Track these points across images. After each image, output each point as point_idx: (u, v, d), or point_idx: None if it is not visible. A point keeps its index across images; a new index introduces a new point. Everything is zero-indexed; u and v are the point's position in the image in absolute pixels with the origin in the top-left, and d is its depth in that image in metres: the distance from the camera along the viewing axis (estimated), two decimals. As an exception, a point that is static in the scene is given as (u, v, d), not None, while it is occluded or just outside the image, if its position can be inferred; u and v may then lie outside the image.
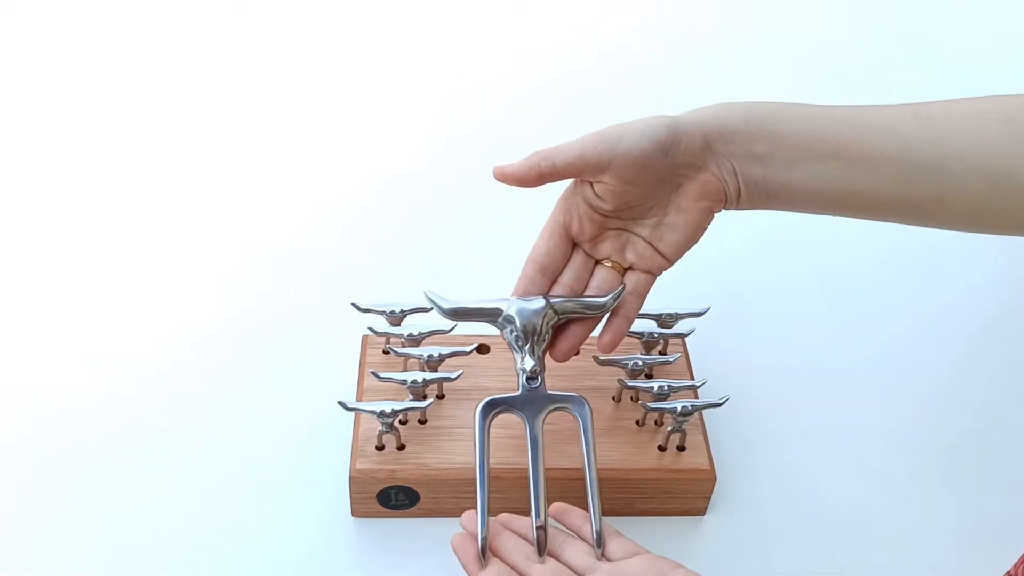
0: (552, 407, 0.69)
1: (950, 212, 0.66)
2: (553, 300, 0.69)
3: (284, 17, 1.27)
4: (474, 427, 0.67)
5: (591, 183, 0.68)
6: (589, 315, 0.70)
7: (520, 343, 0.69)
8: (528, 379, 0.69)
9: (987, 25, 1.33)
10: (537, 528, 0.64)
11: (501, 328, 0.70)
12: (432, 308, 0.73)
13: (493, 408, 0.68)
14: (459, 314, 0.71)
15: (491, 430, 0.69)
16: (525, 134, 1.11)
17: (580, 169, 0.66)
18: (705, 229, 0.70)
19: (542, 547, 0.64)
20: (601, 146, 0.65)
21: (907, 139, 0.64)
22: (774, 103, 0.67)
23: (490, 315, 0.70)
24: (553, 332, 0.70)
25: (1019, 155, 0.63)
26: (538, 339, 0.69)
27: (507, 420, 0.75)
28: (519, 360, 0.69)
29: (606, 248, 0.70)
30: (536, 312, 0.69)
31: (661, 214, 0.69)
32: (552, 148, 0.66)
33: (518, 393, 0.69)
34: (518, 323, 0.68)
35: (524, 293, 0.69)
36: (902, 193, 0.65)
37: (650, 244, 0.70)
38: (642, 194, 0.67)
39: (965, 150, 0.63)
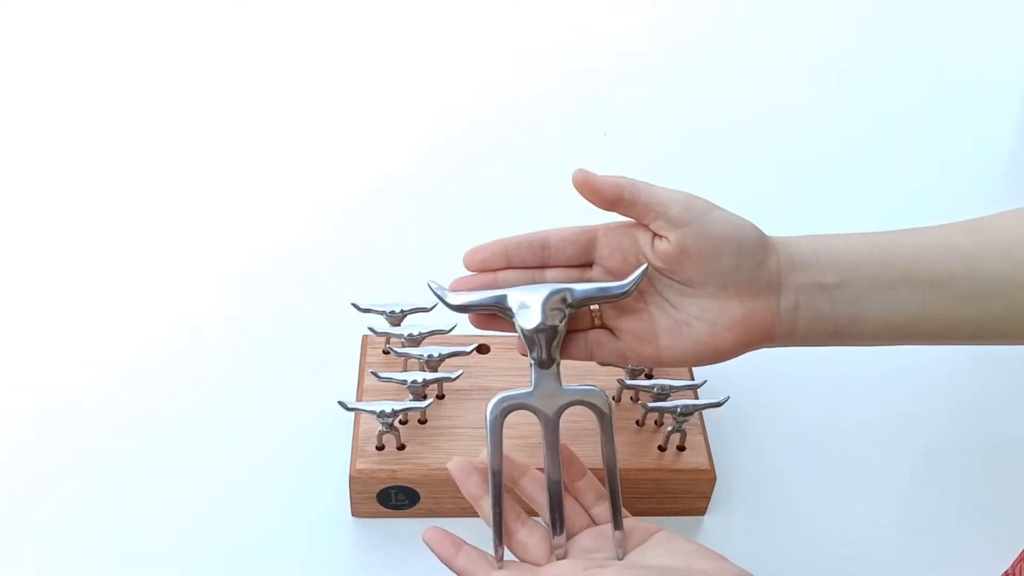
0: (568, 402, 0.63)
1: (1022, 325, 0.63)
2: (561, 287, 0.62)
3: (284, 18, 1.27)
4: (487, 431, 0.62)
5: (654, 234, 0.62)
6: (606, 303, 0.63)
7: (530, 336, 0.62)
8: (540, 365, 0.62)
9: (987, 25, 1.33)
10: (556, 548, 0.62)
11: (511, 318, 0.63)
12: (435, 304, 0.70)
13: (508, 411, 0.63)
14: (465, 308, 0.63)
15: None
16: (525, 134, 1.11)
17: (655, 216, 0.61)
18: (721, 359, 0.63)
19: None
20: (690, 207, 0.61)
21: (971, 257, 0.62)
22: (832, 234, 0.64)
23: (495, 307, 0.63)
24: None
25: None
26: (555, 335, 0.62)
27: (507, 420, 0.75)
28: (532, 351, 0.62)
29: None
30: (546, 301, 0.61)
31: (691, 312, 0.62)
32: (641, 182, 0.62)
33: (532, 389, 0.63)
34: (529, 316, 0.61)
35: (504, 250, 0.63)
36: (974, 312, 0.62)
37: (654, 326, 0.62)
38: (693, 276, 0.61)
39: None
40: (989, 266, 0.62)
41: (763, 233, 0.62)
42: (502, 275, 0.63)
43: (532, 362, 0.62)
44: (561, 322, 0.62)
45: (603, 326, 0.64)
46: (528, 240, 0.64)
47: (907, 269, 0.62)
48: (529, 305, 0.61)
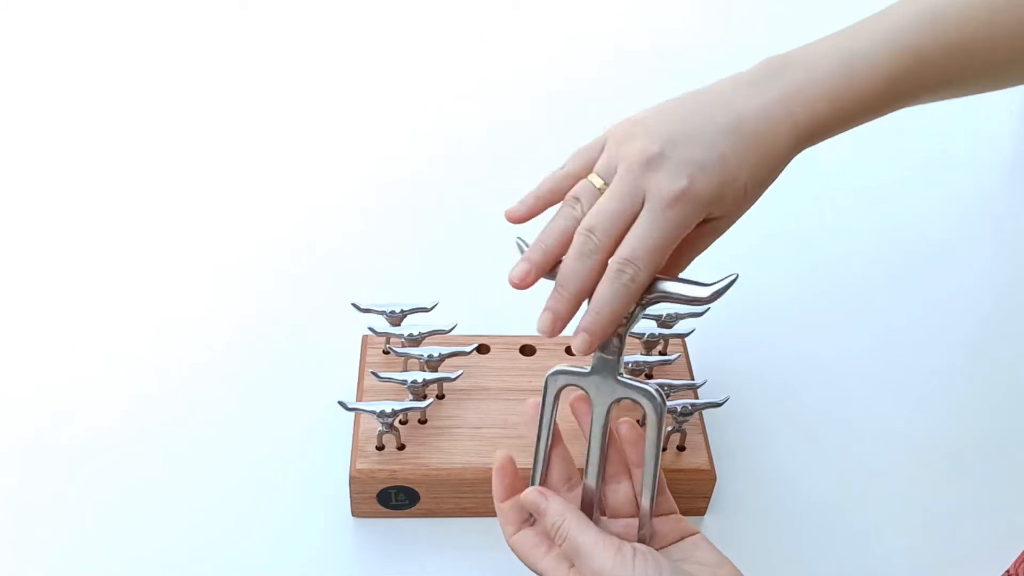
0: (622, 395, 0.59)
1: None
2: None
3: (284, 18, 1.27)
4: (543, 398, 0.61)
5: None
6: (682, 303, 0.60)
7: None
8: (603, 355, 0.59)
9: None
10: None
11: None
12: (435, 304, 0.72)
13: (563, 387, 0.61)
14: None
15: (489, 429, 0.71)
16: (525, 134, 1.11)
17: None
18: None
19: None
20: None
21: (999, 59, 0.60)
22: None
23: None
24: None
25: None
26: (626, 321, 0.58)
27: (506, 420, 0.75)
28: None
29: None
30: None
31: None
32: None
33: (589, 370, 0.60)
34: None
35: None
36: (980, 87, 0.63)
37: None
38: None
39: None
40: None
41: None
42: None
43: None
44: (638, 314, 0.59)
45: None
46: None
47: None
48: None
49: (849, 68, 0.59)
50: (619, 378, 0.59)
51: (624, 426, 0.61)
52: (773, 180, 0.63)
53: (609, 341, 0.58)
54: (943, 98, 0.64)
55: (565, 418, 0.64)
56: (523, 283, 0.58)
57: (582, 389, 0.61)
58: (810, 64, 0.60)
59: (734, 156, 0.59)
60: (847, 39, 0.61)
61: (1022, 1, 0.58)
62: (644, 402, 0.58)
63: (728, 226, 0.64)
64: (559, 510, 0.59)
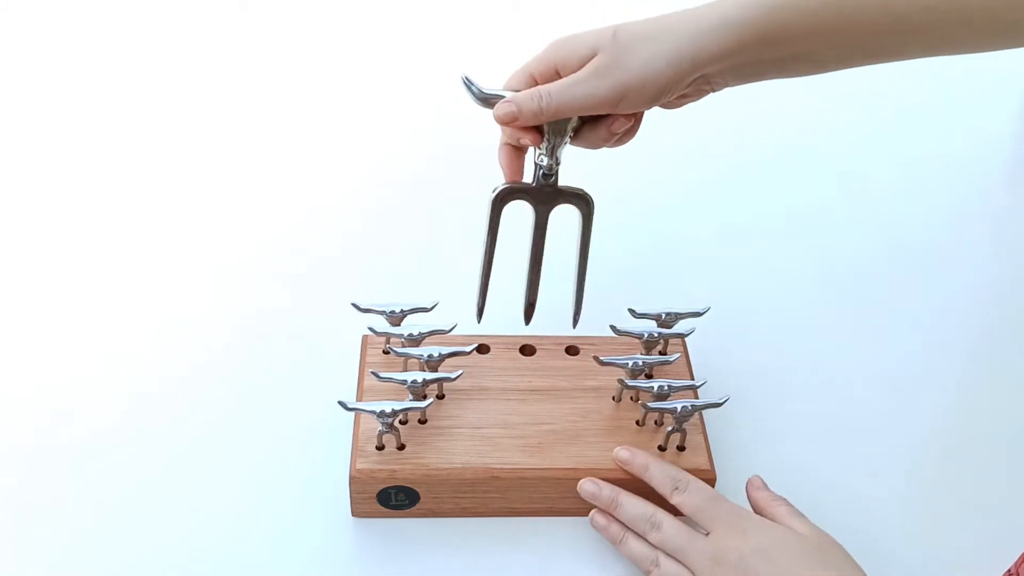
0: (561, 200, 0.72)
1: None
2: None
3: (284, 18, 1.27)
4: (487, 212, 0.71)
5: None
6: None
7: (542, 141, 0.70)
8: (544, 175, 0.71)
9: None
10: (528, 304, 0.75)
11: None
12: (435, 304, 0.76)
13: (508, 196, 0.72)
14: (490, 102, 0.70)
15: (489, 429, 0.71)
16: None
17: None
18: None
19: (528, 318, 0.75)
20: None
21: (901, 14, 0.65)
22: (767, 7, 0.66)
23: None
24: (575, 130, 0.70)
25: (1006, 7, 0.64)
26: (559, 140, 0.69)
27: (506, 420, 0.75)
28: (536, 154, 0.70)
29: None
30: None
31: None
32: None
33: (533, 184, 0.71)
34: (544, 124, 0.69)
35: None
36: (896, 54, 0.70)
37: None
38: None
39: (956, 11, 0.65)
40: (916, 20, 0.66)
41: (680, 57, 0.67)
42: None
43: (536, 164, 0.71)
44: (568, 134, 0.70)
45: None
46: (545, 65, 0.70)
47: (838, 47, 0.69)
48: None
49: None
50: (559, 187, 0.71)
51: (623, 452, 0.73)
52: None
53: (551, 170, 0.71)
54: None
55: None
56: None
57: (526, 199, 0.72)
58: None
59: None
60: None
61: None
62: (578, 203, 0.72)
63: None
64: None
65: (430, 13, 1.29)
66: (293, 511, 0.75)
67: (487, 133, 0.76)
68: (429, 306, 0.79)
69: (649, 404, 0.74)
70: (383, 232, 0.99)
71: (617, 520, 0.72)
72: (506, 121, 0.68)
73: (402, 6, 1.30)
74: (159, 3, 1.28)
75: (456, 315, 0.79)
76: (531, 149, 0.71)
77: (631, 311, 0.80)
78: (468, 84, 0.70)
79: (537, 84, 0.69)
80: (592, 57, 0.67)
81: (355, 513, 0.74)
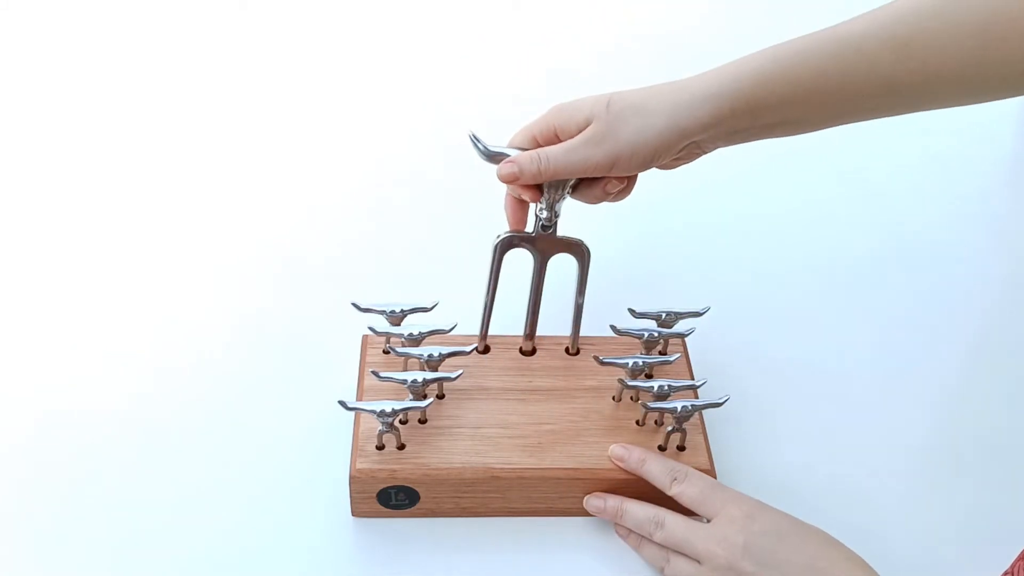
0: (559, 249, 0.77)
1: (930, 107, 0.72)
2: None
3: (284, 18, 1.27)
4: (490, 259, 0.77)
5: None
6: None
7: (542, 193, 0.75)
8: (543, 227, 0.76)
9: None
10: (527, 351, 0.80)
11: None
12: (435, 304, 0.76)
13: (510, 244, 0.77)
14: (495, 159, 0.74)
15: (489, 429, 0.71)
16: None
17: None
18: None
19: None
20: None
21: (888, 77, 0.68)
22: (757, 78, 0.69)
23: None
24: (573, 187, 0.75)
25: (997, 64, 0.66)
26: (558, 196, 0.75)
27: (506, 420, 0.75)
28: (537, 207, 0.75)
29: None
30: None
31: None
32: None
33: (533, 233, 0.77)
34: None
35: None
36: (883, 112, 0.72)
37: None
38: None
39: (944, 71, 0.67)
40: (907, 82, 0.69)
41: (674, 126, 0.71)
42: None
43: (536, 215, 0.76)
44: (566, 190, 0.75)
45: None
46: (545, 128, 0.74)
47: (824, 96, 0.70)
48: None
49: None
50: (558, 237, 0.77)
51: (618, 449, 0.74)
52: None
53: (550, 222, 0.76)
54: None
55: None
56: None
57: (526, 247, 0.77)
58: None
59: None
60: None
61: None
62: (575, 252, 0.77)
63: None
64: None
65: (430, 13, 1.29)
66: (293, 511, 0.75)
67: (487, 133, 0.76)
68: (429, 306, 0.79)
69: (649, 404, 0.74)
70: (383, 232, 0.99)
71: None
72: (509, 180, 0.73)
73: (402, 6, 1.30)
74: (159, 3, 1.28)
75: (456, 315, 0.79)
76: (533, 207, 0.76)
77: (631, 311, 0.80)
78: (475, 142, 0.75)
79: (539, 144, 0.73)
80: (588, 124, 0.71)
81: (355, 513, 0.74)
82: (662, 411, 0.74)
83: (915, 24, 0.66)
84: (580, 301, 0.79)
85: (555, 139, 0.73)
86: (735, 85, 0.69)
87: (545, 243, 0.77)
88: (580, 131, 0.71)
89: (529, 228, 0.77)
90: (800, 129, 0.72)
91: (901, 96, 0.69)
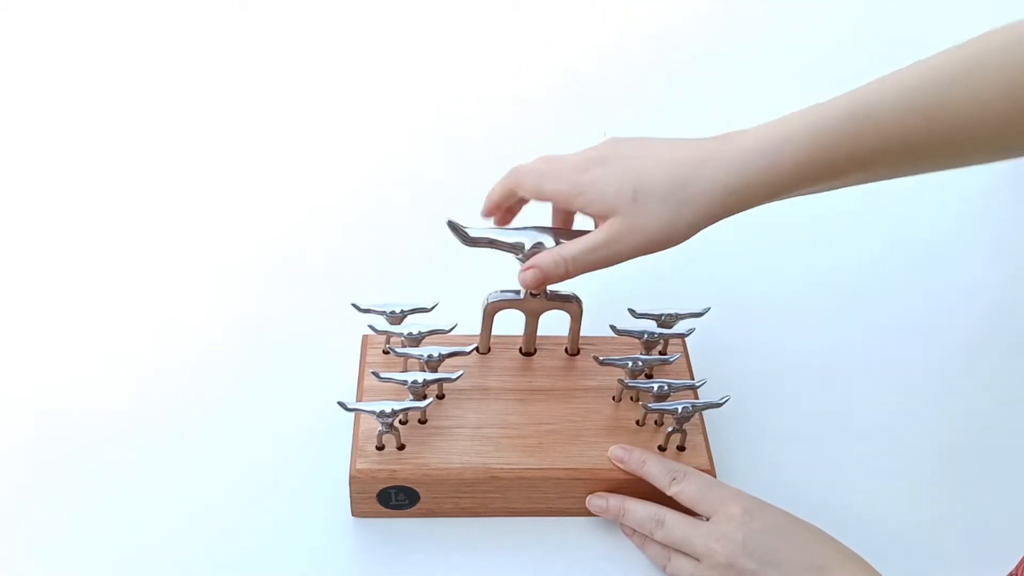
0: (551, 307, 0.77)
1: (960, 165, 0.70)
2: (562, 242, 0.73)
3: (284, 19, 1.27)
4: (480, 320, 0.78)
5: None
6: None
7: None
8: (531, 294, 0.76)
9: (987, 26, 1.33)
10: (524, 344, 0.81)
11: (514, 253, 0.74)
12: (435, 304, 0.77)
13: (499, 307, 0.77)
14: (479, 243, 0.74)
15: (489, 429, 0.72)
16: (525, 134, 1.11)
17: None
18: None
19: None
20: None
21: (912, 142, 0.66)
22: (785, 166, 0.67)
23: (510, 249, 0.74)
24: None
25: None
26: None
27: (506, 420, 0.75)
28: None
29: None
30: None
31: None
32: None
33: (522, 297, 0.77)
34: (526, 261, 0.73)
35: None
36: (909, 173, 0.69)
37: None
38: None
39: (970, 134, 0.65)
40: (939, 151, 0.67)
41: (677, 224, 0.68)
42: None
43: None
44: None
45: None
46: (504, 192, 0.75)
47: (846, 174, 0.68)
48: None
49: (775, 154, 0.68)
50: (548, 299, 0.77)
51: (618, 451, 0.73)
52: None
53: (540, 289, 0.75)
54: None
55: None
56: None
57: (516, 309, 0.77)
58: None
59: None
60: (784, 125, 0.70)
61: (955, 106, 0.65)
62: (568, 307, 0.78)
63: None
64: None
65: (430, 13, 1.29)
66: (293, 511, 0.75)
67: (487, 133, 0.76)
68: (429, 306, 0.79)
69: (650, 405, 0.74)
70: (383, 232, 0.99)
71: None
72: (535, 286, 0.71)
73: (402, 6, 1.30)
74: (159, 3, 1.28)
75: (456, 315, 0.79)
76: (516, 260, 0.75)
77: (631, 311, 0.80)
78: (454, 228, 0.74)
79: (518, 203, 0.75)
80: (608, 213, 0.68)
81: (355, 513, 0.74)
82: (662, 412, 0.74)
83: (939, 89, 0.65)
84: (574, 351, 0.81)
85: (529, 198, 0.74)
86: (765, 175, 0.67)
87: (536, 304, 0.77)
88: (600, 215, 0.69)
89: (520, 291, 0.76)
90: (816, 191, 0.70)
91: (924, 160, 0.68)
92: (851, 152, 0.66)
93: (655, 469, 0.72)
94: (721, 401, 0.75)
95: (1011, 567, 0.64)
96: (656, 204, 0.67)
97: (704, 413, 0.77)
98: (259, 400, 0.82)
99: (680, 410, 0.73)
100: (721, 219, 0.69)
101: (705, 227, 0.69)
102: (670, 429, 0.74)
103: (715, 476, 0.74)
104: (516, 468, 0.72)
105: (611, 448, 0.74)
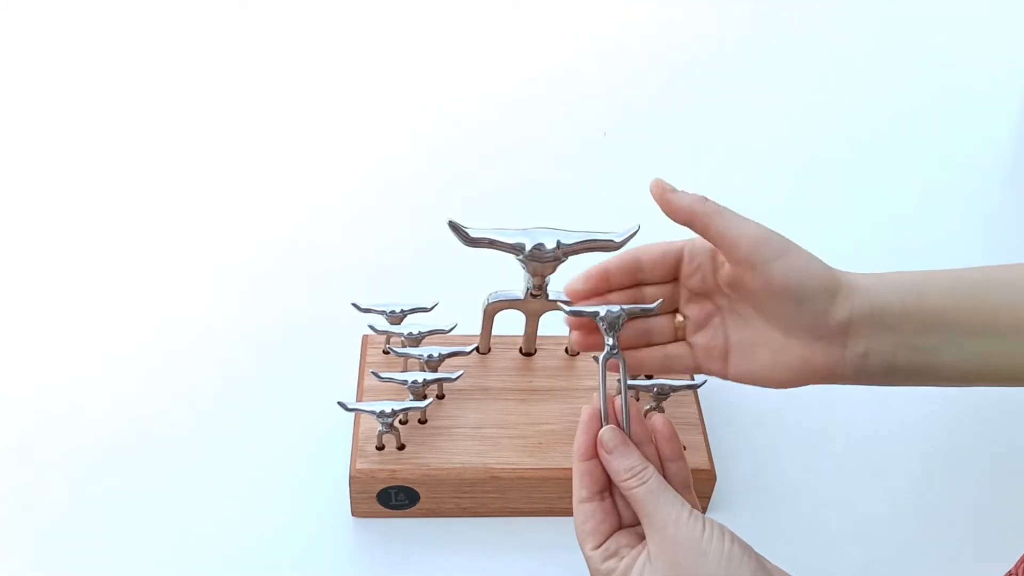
0: (551, 308, 0.75)
1: None
2: (563, 242, 0.70)
3: (284, 18, 1.27)
4: (481, 319, 0.77)
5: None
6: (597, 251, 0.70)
7: (529, 270, 0.73)
8: (531, 295, 0.75)
9: (987, 26, 1.33)
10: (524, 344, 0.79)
11: (515, 254, 0.72)
12: (435, 304, 0.76)
13: (499, 307, 0.76)
14: (480, 243, 0.71)
15: (489, 429, 0.72)
16: (526, 134, 1.11)
17: (722, 248, 0.61)
18: (781, 387, 0.62)
19: None
20: (756, 250, 0.60)
21: None
22: (919, 273, 0.63)
23: (511, 249, 0.71)
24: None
25: None
26: (545, 273, 0.73)
27: (506, 420, 0.75)
28: (527, 279, 0.74)
29: (690, 307, 0.64)
30: (549, 253, 0.71)
31: (760, 334, 0.61)
32: (718, 209, 0.61)
33: (523, 297, 0.75)
34: (528, 261, 0.71)
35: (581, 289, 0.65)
36: None
37: (726, 343, 0.62)
38: (757, 302, 0.61)
39: None
40: None
41: (836, 278, 0.60)
42: (609, 297, 0.64)
43: (526, 286, 0.74)
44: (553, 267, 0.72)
45: (683, 339, 0.64)
46: (623, 264, 0.64)
47: (993, 316, 0.60)
48: (529, 257, 0.71)
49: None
50: (549, 300, 0.74)
51: (659, 421, 0.61)
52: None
53: (541, 290, 0.74)
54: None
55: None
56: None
57: (517, 309, 0.76)
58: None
59: None
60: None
61: None
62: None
63: None
64: (642, 456, 0.58)
65: (430, 13, 1.29)
66: (293, 511, 0.75)
67: (487, 133, 0.76)
68: (429, 306, 0.79)
69: (629, 382, 0.65)
70: (383, 232, 0.99)
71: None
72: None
73: (402, 6, 1.30)
74: (159, 3, 1.28)
75: (456, 315, 0.79)
76: (522, 271, 0.73)
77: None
78: (454, 228, 0.72)
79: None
80: None
81: (355, 513, 0.74)
82: (638, 389, 0.73)
83: None
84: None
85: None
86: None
87: (536, 305, 0.76)
88: None
89: (520, 293, 0.75)
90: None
91: None
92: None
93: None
94: (699, 383, 0.73)
95: (1009, 566, 0.64)
96: None
97: (704, 413, 0.77)
98: (259, 400, 0.82)
99: (657, 389, 0.72)
100: None
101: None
102: (648, 407, 0.73)
103: (715, 476, 0.74)
104: (516, 468, 0.73)
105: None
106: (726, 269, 0.62)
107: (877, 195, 1.07)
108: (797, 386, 0.62)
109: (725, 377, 0.63)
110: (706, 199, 0.61)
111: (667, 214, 0.62)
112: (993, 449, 0.82)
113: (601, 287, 0.64)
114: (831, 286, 0.60)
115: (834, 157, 1.12)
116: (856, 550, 0.75)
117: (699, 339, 0.63)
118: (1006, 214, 1.07)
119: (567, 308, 0.63)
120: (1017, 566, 0.63)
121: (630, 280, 0.64)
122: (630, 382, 0.75)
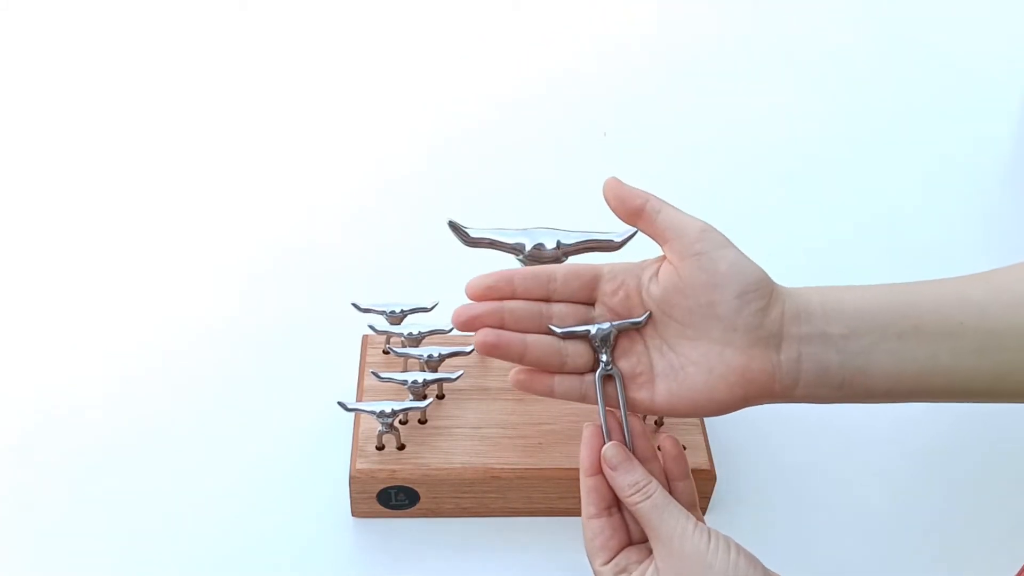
0: None
1: None
2: (563, 242, 0.71)
3: (284, 18, 1.27)
4: None
5: (660, 262, 0.62)
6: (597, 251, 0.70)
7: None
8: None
9: (987, 25, 1.33)
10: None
11: (515, 254, 0.73)
12: (435, 304, 0.75)
13: None
14: (480, 243, 0.73)
15: (489, 429, 0.72)
16: (526, 135, 1.11)
17: (669, 238, 0.61)
18: (717, 411, 0.61)
19: None
20: (704, 237, 0.60)
21: (983, 308, 0.60)
22: (840, 287, 0.62)
23: (511, 249, 0.73)
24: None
25: None
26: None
27: (506, 420, 0.75)
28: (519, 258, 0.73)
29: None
30: (550, 253, 0.72)
31: (688, 357, 0.60)
32: (665, 203, 0.62)
33: None
34: (528, 261, 0.72)
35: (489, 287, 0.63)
36: (987, 365, 0.60)
37: (651, 370, 0.61)
38: (691, 313, 0.60)
39: None
40: (1002, 317, 0.60)
41: (771, 280, 0.60)
42: (507, 304, 0.61)
43: None
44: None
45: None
46: (534, 272, 0.62)
47: (918, 320, 0.60)
48: (528, 259, 0.72)
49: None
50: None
51: (667, 442, 0.62)
52: None
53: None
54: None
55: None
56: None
57: None
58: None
59: None
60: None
61: None
62: None
63: None
64: (646, 472, 0.59)
65: (430, 13, 1.29)
66: (293, 511, 0.75)
67: (487, 133, 0.76)
68: (429, 306, 0.79)
69: (558, 329, 0.62)
70: (383, 232, 0.99)
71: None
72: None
73: (402, 6, 1.30)
74: (159, 3, 1.28)
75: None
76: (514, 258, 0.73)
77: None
78: (454, 228, 0.73)
79: None
80: None
81: (355, 513, 0.74)
82: (574, 335, 0.62)
83: None
84: None
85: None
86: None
87: None
88: None
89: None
90: None
91: (998, 336, 0.60)
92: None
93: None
94: (641, 319, 0.63)
95: (1012, 566, 0.64)
96: None
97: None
98: (259, 400, 0.82)
99: (595, 332, 0.62)
100: None
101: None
102: (596, 344, 0.63)
103: (715, 476, 0.74)
104: (516, 468, 0.73)
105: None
106: (658, 282, 0.61)
107: (877, 195, 1.07)
108: (734, 407, 0.61)
109: (652, 408, 0.61)
110: (653, 195, 0.63)
111: (617, 207, 0.63)
112: (995, 449, 0.82)
113: (504, 291, 0.62)
114: (767, 282, 0.60)
115: (834, 157, 1.12)
116: (857, 550, 0.75)
117: (622, 366, 0.61)
118: (1006, 214, 1.07)
119: (558, 330, 0.61)
120: (1021, 572, 0.63)
121: (540, 291, 0.62)
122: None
